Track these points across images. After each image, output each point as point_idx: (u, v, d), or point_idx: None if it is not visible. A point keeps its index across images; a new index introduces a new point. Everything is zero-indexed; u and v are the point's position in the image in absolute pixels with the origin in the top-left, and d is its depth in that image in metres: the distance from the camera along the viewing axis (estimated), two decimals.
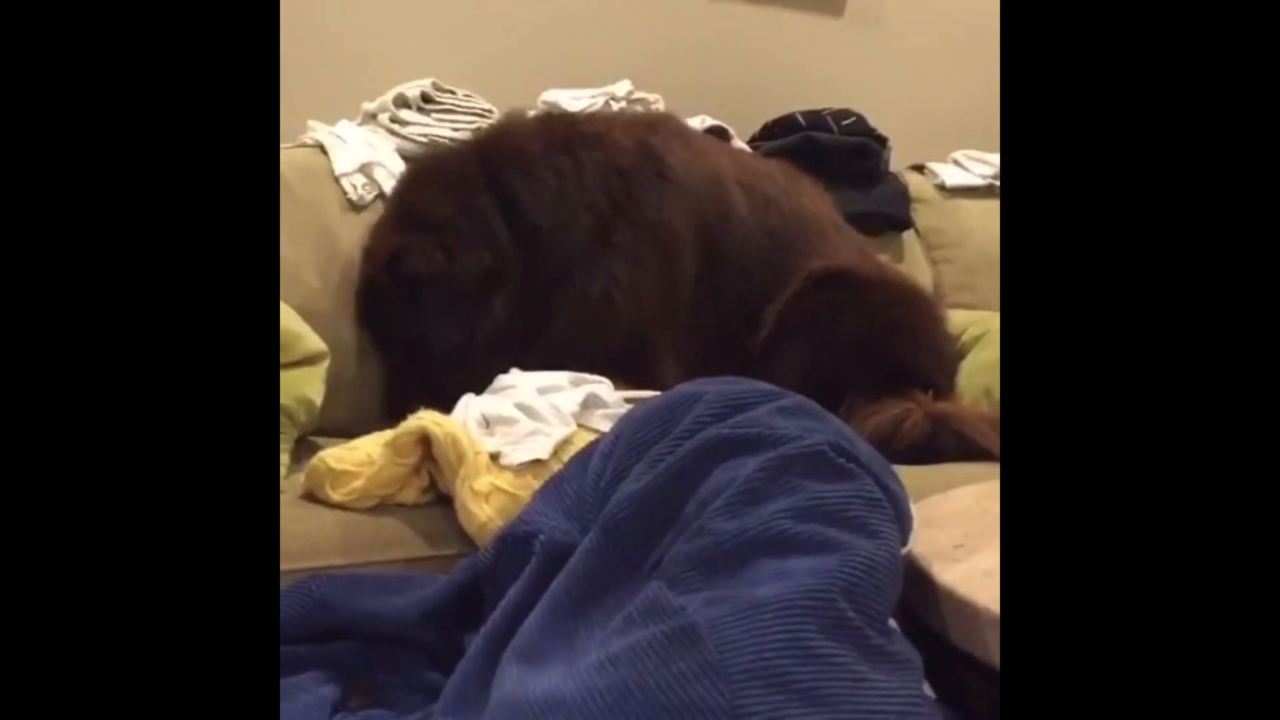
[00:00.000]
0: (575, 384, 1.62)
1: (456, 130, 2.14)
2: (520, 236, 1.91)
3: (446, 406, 1.56)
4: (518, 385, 1.62)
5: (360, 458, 1.48)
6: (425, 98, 2.16)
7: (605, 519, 1.12)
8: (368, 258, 1.91)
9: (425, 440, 1.47)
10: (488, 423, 1.53)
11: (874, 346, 1.95)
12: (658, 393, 1.59)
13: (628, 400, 1.58)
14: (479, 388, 1.65)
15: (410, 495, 1.50)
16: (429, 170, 1.99)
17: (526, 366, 1.70)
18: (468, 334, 1.86)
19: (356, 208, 2.00)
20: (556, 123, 2.06)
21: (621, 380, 1.68)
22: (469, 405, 1.58)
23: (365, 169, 2.03)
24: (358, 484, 1.46)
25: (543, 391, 1.58)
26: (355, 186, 2.00)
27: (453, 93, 2.20)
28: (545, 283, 1.92)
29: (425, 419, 1.47)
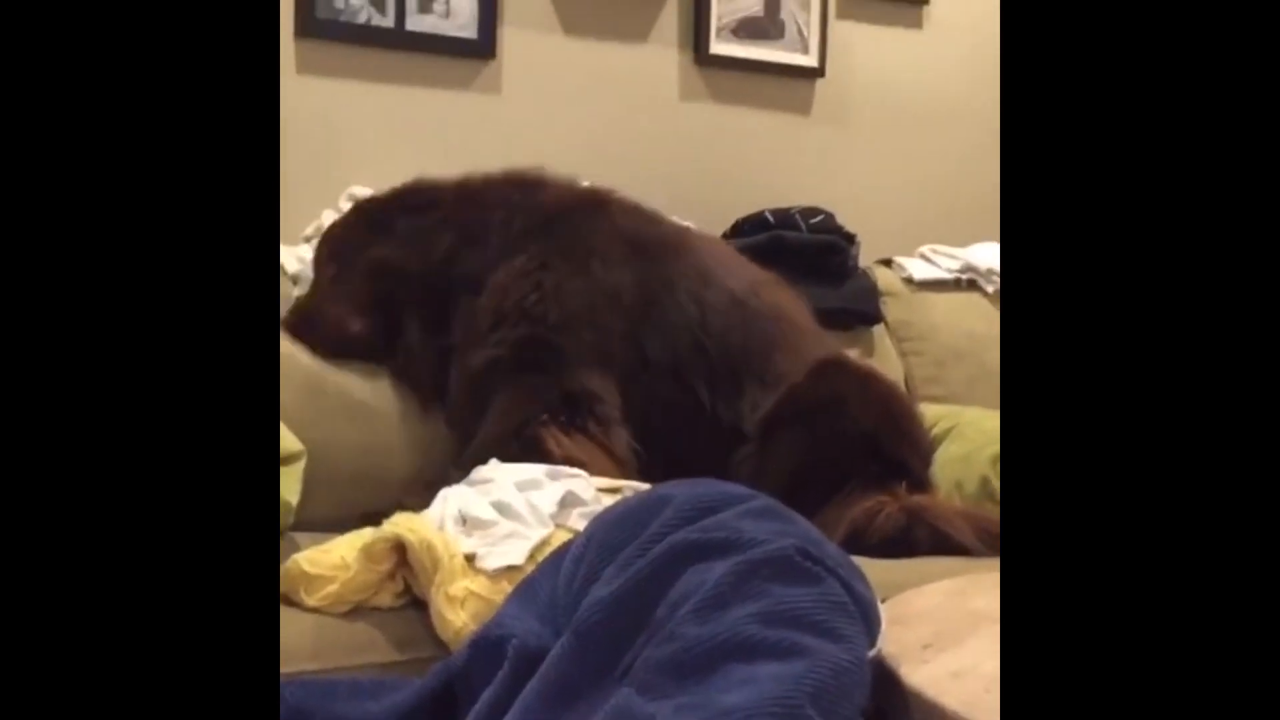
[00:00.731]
0: (553, 477, 1.62)
1: None
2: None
3: None
4: (495, 479, 1.63)
5: (335, 561, 1.48)
6: None
7: (577, 623, 1.13)
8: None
9: (400, 546, 1.47)
10: (464, 521, 1.53)
11: (875, 440, 1.96)
12: (636, 485, 1.61)
13: (602, 491, 1.59)
14: None
15: (385, 599, 1.50)
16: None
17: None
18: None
19: None
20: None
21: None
22: (447, 500, 1.58)
23: None
24: (332, 589, 1.46)
25: (521, 488, 1.59)
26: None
27: None
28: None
29: (400, 525, 1.48)
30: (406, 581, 1.51)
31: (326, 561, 1.48)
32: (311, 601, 1.46)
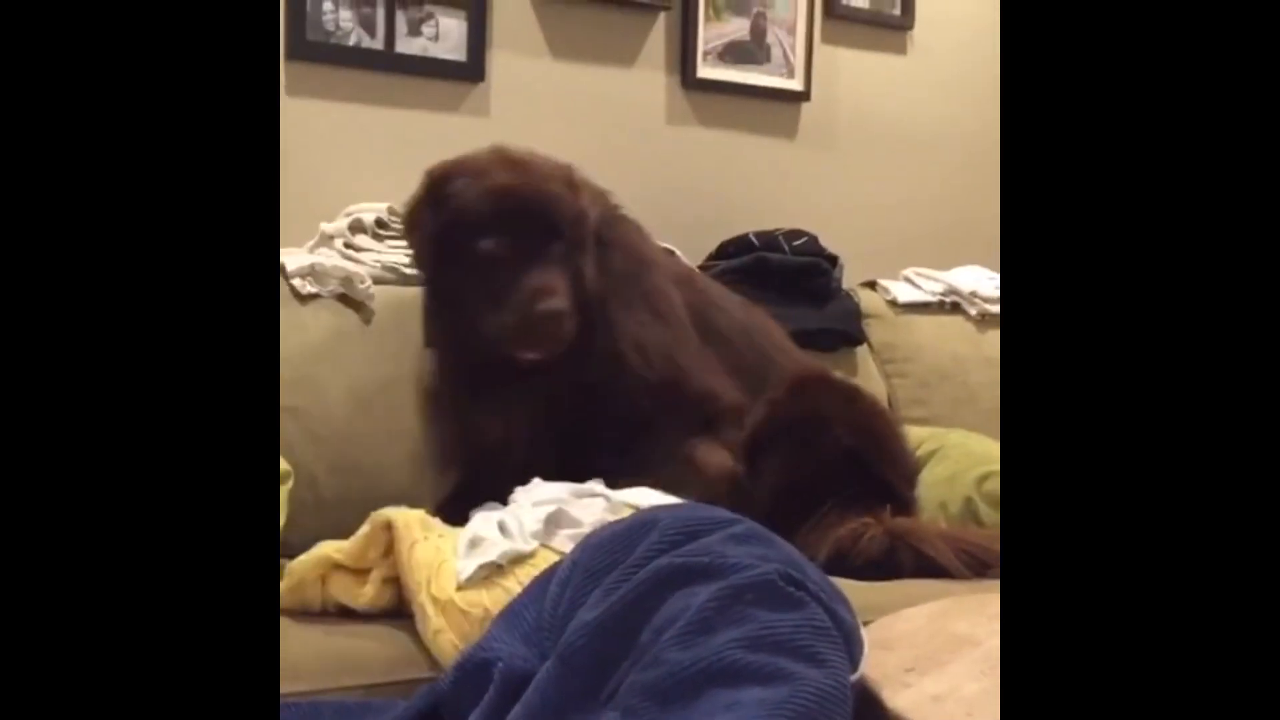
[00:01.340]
0: (578, 495, 1.63)
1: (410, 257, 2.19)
2: None
3: None
4: (518, 499, 1.66)
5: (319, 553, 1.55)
6: (380, 223, 2.22)
7: (562, 648, 1.14)
8: None
9: (388, 538, 1.52)
10: (476, 544, 1.55)
11: (858, 457, 1.97)
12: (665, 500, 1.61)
13: (628, 506, 1.59)
14: None
15: (368, 593, 1.54)
16: None
17: None
18: None
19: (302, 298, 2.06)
20: None
21: None
22: (474, 522, 1.61)
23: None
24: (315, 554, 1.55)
25: (538, 504, 1.61)
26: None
27: None
28: None
29: (390, 511, 1.55)
30: (397, 587, 1.54)
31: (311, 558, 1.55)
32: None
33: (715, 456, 1.86)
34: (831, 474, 1.93)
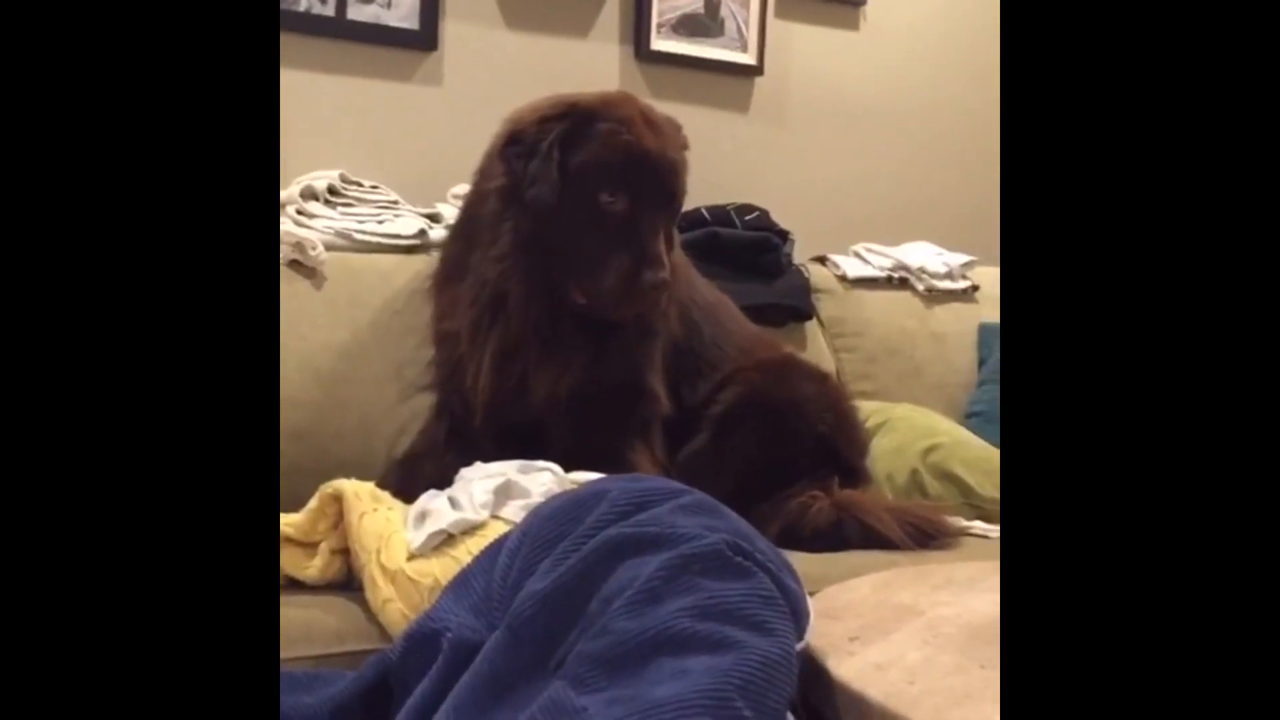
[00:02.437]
0: (524, 472, 1.62)
1: (362, 223, 2.18)
2: None
3: None
4: (465, 475, 1.65)
5: None
6: (332, 190, 2.20)
7: (511, 617, 1.15)
8: None
9: (337, 510, 1.52)
10: (424, 516, 1.55)
11: (830, 442, 2.00)
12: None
13: (575, 482, 1.59)
14: None
15: (316, 565, 1.55)
16: None
17: None
18: None
19: None
20: None
21: None
22: (422, 499, 1.60)
23: None
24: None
25: (486, 478, 1.60)
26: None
27: (360, 184, 2.24)
28: None
29: (340, 482, 1.55)
30: (346, 560, 1.54)
31: None
32: None
33: (650, 472, 1.82)
34: (803, 457, 1.97)
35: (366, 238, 2.18)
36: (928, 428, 2.31)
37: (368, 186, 2.26)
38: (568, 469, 1.64)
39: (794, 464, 1.95)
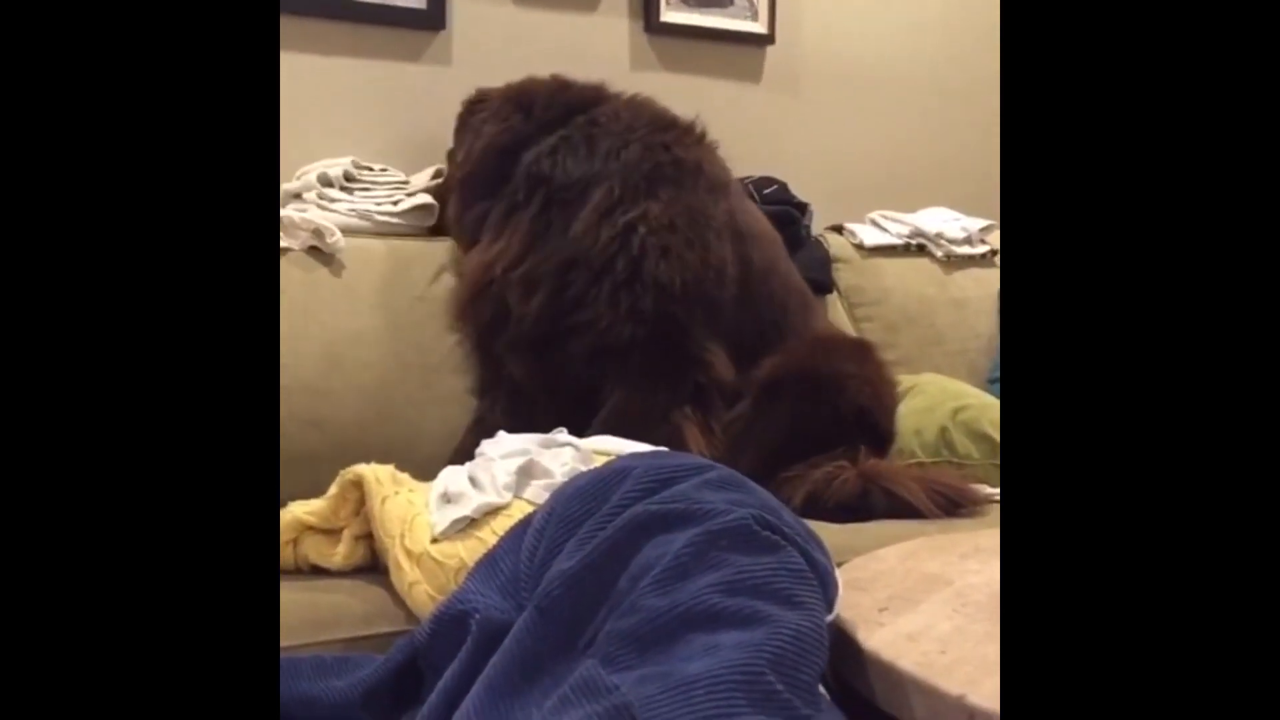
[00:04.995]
0: (546, 445, 1.63)
1: (379, 204, 2.19)
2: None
3: None
4: (486, 451, 1.65)
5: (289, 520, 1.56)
6: (348, 176, 2.19)
7: (539, 598, 1.14)
8: None
9: (359, 496, 1.52)
10: (448, 498, 1.55)
11: (869, 415, 2.02)
12: (638, 448, 1.61)
13: (598, 454, 1.59)
14: None
15: (341, 551, 1.55)
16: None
17: None
18: None
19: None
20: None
21: None
22: (440, 476, 1.61)
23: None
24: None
25: (506, 456, 1.60)
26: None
27: (370, 169, 2.24)
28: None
29: (360, 468, 1.55)
30: (370, 546, 1.55)
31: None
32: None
33: (700, 442, 1.88)
34: (839, 430, 1.97)
35: (386, 219, 2.18)
36: (957, 391, 2.32)
37: (378, 170, 2.25)
38: (615, 431, 1.69)
39: (830, 437, 1.95)
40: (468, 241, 2.08)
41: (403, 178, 2.27)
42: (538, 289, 1.91)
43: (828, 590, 1.16)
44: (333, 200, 2.16)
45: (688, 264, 1.91)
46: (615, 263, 1.87)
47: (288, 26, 2.27)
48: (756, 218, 2.19)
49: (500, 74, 2.46)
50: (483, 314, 2.00)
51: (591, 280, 1.88)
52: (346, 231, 2.11)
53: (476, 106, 2.15)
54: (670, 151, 1.99)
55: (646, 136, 1.99)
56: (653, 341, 1.88)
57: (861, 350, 2.13)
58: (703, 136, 2.11)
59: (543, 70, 2.50)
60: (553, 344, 1.92)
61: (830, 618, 1.15)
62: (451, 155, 2.21)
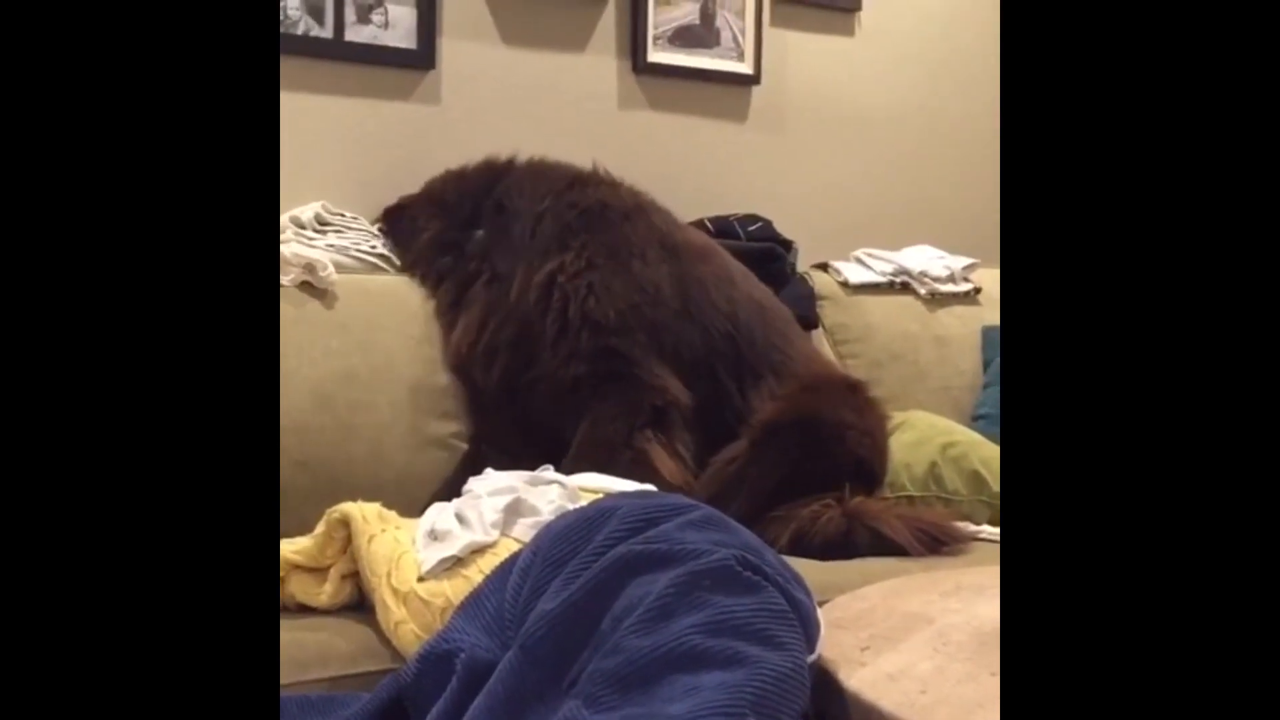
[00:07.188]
0: (533, 483, 1.64)
1: (356, 245, 2.22)
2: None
3: None
4: (474, 488, 1.66)
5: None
6: (320, 219, 2.23)
7: (524, 637, 1.15)
8: None
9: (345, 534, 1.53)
10: (436, 536, 1.55)
11: (866, 464, 2.05)
12: (623, 486, 1.64)
13: (584, 491, 1.61)
14: None
15: (327, 590, 1.56)
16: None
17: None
18: None
19: None
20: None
21: None
22: (428, 514, 1.61)
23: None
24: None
25: (494, 493, 1.61)
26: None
27: (341, 215, 2.27)
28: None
29: (347, 506, 1.57)
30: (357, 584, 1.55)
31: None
32: None
33: (669, 465, 1.93)
34: (835, 475, 2.00)
35: (365, 257, 2.21)
36: (946, 427, 2.34)
37: (349, 217, 2.28)
38: (585, 465, 1.76)
39: (824, 485, 1.97)
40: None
41: (374, 229, 2.30)
42: (495, 359, 2.08)
43: (809, 630, 1.18)
44: (310, 239, 2.17)
45: (616, 294, 2.02)
46: (546, 316, 2.03)
47: (281, 67, 2.29)
48: (689, 232, 2.27)
49: (489, 113, 2.49)
50: (464, 385, 2.13)
51: (535, 339, 2.04)
52: (338, 268, 2.12)
53: (396, 214, 2.30)
54: (574, 207, 2.13)
55: (553, 206, 2.14)
56: (597, 376, 1.99)
57: (858, 394, 2.15)
58: (605, 176, 2.24)
59: (531, 109, 2.54)
60: (518, 401, 2.08)
61: (812, 657, 1.16)
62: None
